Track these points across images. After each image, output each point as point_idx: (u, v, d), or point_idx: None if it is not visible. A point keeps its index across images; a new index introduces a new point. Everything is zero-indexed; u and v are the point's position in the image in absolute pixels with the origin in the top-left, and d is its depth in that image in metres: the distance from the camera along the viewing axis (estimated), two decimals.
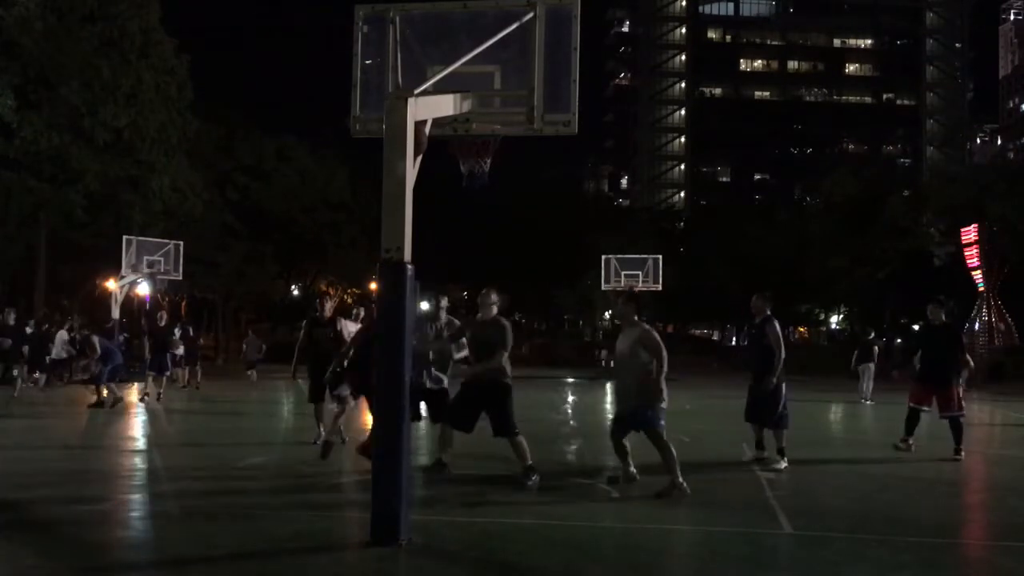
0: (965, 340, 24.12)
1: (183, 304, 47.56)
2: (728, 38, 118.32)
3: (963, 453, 11.22)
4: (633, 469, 8.87)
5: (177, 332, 21.61)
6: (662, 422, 8.45)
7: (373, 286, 38.06)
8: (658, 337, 8.58)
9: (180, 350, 21.55)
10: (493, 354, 8.77)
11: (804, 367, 31.83)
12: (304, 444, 11.52)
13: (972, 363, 21.85)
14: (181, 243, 27.87)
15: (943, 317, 11.91)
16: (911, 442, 11.63)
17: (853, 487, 9.28)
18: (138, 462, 10.64)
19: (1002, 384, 24.61)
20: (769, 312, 10.63)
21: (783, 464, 10.16)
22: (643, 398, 8.41)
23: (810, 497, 8.58)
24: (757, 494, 8.45)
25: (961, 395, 11.55)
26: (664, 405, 8.48)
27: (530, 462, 8.80)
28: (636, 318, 8.76)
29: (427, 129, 6.67)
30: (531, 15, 6.98)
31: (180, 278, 28.51)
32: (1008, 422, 17.68)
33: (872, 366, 21.65)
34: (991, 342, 36.96)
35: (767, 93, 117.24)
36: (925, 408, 11.59)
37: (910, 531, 7.14)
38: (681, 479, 8.28)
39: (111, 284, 27.98)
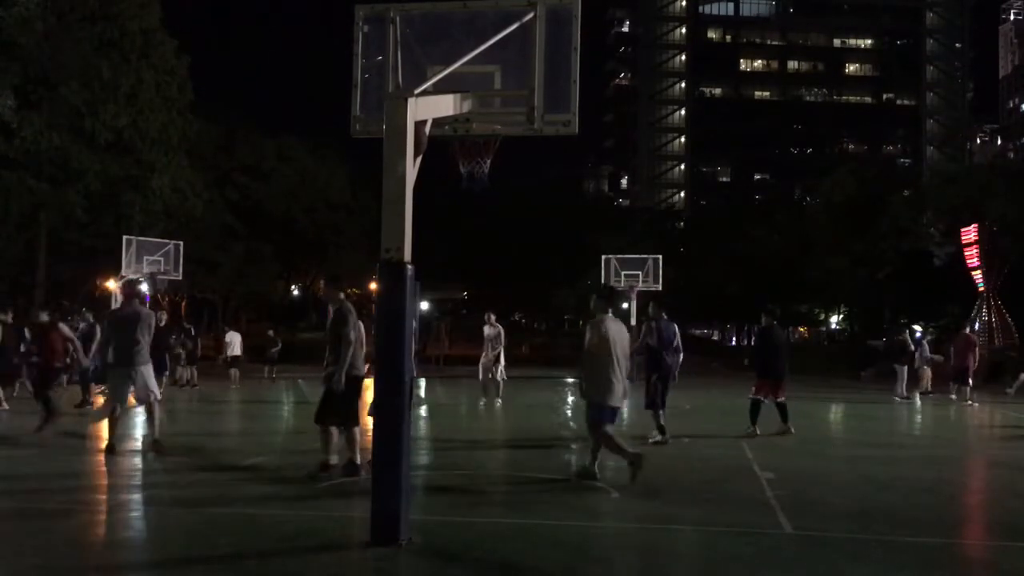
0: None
1: (183, 304, 47.53)
2: (728, 38, 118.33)
3: (792, 429, 12.67)
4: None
5: (182, 332, 21.99)
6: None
7: (373, 286, 38.03)
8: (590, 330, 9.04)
9: (181, 351, 21.81)
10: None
11: (804, 367, 31.81)
12: (303, 443, 11.50)
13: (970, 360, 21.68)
14: (181, 243, 27.86)
15: (772, 322, 13.77)
16: (757, 430, 12.55)
17: (853, 487, 9.28)
18: (138, 462, 10.64)
19: (1002, 384, 24.56)
20: (665, 316, 12.15)
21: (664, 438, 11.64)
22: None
23: (810, 497, 8.57)
24: (757, 494, 8.45)
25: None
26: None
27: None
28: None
29: (427, 129, 6.67)
30: (531, 15, 6.97)
31: (180, 278, 28.51)
32: (1008, 422, 17.67)
33: (904, 367, 21.78)
34: (991, 342, 36.88)
35: (767, 93, 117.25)
36: (763, 398, 12.80)
37: (910, 531, 7.15)
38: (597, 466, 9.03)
39: (111, 284, 27.94)
